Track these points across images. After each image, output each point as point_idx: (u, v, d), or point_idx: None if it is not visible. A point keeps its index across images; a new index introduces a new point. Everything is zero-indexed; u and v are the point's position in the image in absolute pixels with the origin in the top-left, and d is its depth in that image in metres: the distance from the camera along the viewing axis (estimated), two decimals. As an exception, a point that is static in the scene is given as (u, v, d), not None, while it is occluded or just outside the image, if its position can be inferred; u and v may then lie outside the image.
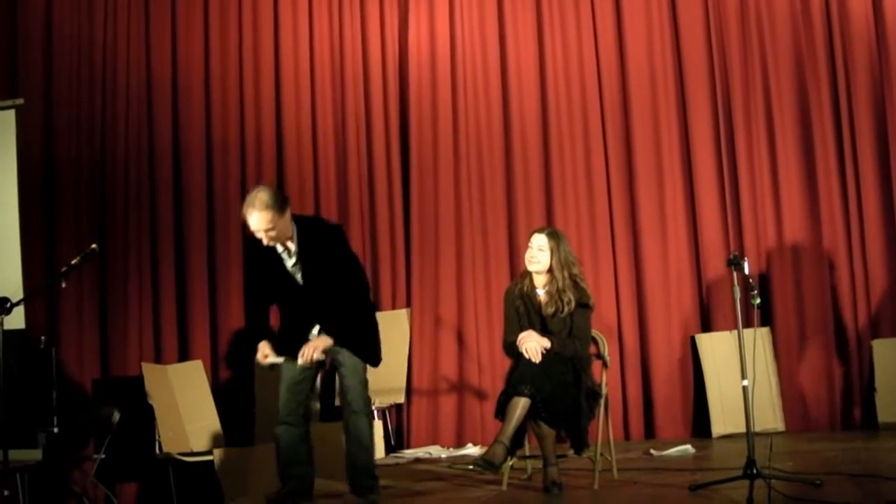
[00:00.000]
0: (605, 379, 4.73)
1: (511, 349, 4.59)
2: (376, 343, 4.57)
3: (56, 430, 6.45)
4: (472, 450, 6.50)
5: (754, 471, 3.95)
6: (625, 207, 6.98)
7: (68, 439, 6.53)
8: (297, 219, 4.48)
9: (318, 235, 4.45)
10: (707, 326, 6.73)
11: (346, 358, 4.43)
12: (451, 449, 6.66)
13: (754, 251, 6.63)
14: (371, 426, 4.51)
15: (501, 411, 4.39)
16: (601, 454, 4.61)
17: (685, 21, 6.98)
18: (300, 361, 4.29)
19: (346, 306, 4.41)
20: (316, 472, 4.59)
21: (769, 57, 6.79)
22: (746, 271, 4.28)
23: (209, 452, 6.12)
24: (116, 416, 6.44)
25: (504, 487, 4.65)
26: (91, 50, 7.64)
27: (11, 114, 7.29)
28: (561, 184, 7.06)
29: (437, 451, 6.54)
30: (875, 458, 5.10)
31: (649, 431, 6.73)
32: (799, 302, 6.57)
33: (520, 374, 4.39)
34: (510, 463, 4.56)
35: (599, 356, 4.80)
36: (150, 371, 6.62)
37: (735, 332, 4.36)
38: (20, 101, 7.34)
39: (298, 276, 4.46)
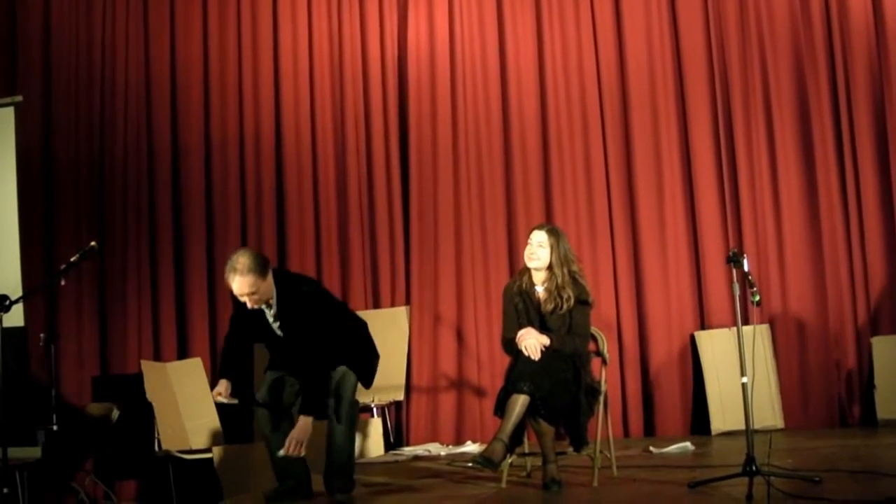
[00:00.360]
0: (605, 376, 4.73)
1: (510, 346, 4.58)
2: (369, 368, 4.68)
3: (55, 427, 6.45)
4: (471, 447, 6.50)
5: (754, 468, 3.94)
6: (624, 204, 6.98)
7: (67, 440, 6.54)
8: (277, 278, 4.51)
9: (295, 301, 4.50)
10: (706, 323, 6.73)
11: (341, 370, 4.48)
12: (450, 446, 6.67)
13: (754, 248, 6.63)
14: (347, 432, 4.50)
15: (500, 408, 4.38)
16: (600, 451, 4.61)
17: (684, 18, 6.98)
18: (281, 453, 4.31)
19: (324, 360, 4.45)
20: (314, 469, 4.60)
21: (768, 53, 6.78)
22: (746, 268, 4.27)
23: (208, 450, 6.12)
24: (116, 413, 6.44)
25: (503, 485, 4.64)
26: (90, 48, 7.64)
27: (10, 111, 7.27)
28: (560, 181, 7.06)
29: (436, 449, 6.54)
30: (874, 454, 5.10)
31: (649, 429, 6.74)
32: (798, 299, 6.57)
33: (519, 371, 4.39)
34: (509, 460, 4.56)
35: (599, 353, 4.79)
36: (149, 369, 6.61)
37: (734, 328, 4.34)
38: (19, 98, 7.33)
39: (278, 330, 4.55)
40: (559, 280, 4.57)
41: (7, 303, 5.05)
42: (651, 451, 5.70)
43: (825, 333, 6.50)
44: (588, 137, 7.07)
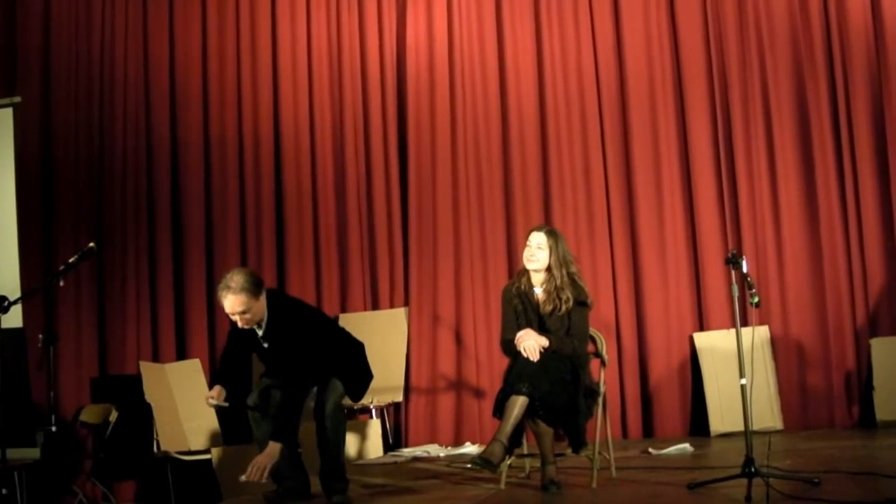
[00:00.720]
0: (604, 377, 4.73)
1: (509, 347, 4.58)
2: (357, 387, 4.69)
3: (54, 428, 6.44)
4: (470, 448, 6.49)
5: (753, 469, 3.94)
6: (623, 205, 6.98)
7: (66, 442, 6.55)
8: (270, 300, 4.51)
9: (284, 323, 4.50)
10: (705, 325, 6.73)
11: (330, 381, 4.48)
12: (449, 447, 6.66)
13: (752, 249, 6.63)
14: (333, 434, 4.48)
15: (499, 410, 4.38)
16: (599, 453, 4.60)
17: (683, 20, 6.97)
18: (242, 478, 4.27)
19: (303, 385, 4.43)
20: (311, 470, 4.60)
21: (767, 56, 6.78)
22: (745, 270, 4.27)
23: (207, 451, 6.13)
24: (114, 414, 6.44)
25: (502, 486, 4.64)
26: (89, 48, 7.63)
27: (9, 112, 7.28)
28: (559, 182, 7.06)
29: (435, 450, 6.53)
30: (873, 456, 5.10)
31: (647, 430, 6.74)
32: (797, 300, 6.57)
33: (518, 372, 4.39)
34: (508, 461, 4.55)
35: (597, 354, 4.79)
36: (147, 370, 6.62)
37: (733, 330, 4.35)
38: (18, 99, 7.34)
39: (266, 346, 4.56)
40: (558, 281, 4.57)
41: (6, 304, 5.05)
42: (650, 453, 5.70)
43: (824, 335, 6.49)
44: (587, 138, 7.07)
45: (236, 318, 4.40)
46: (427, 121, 7.30)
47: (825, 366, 6.46)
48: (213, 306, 7.35)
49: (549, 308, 4.57)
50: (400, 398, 6.94)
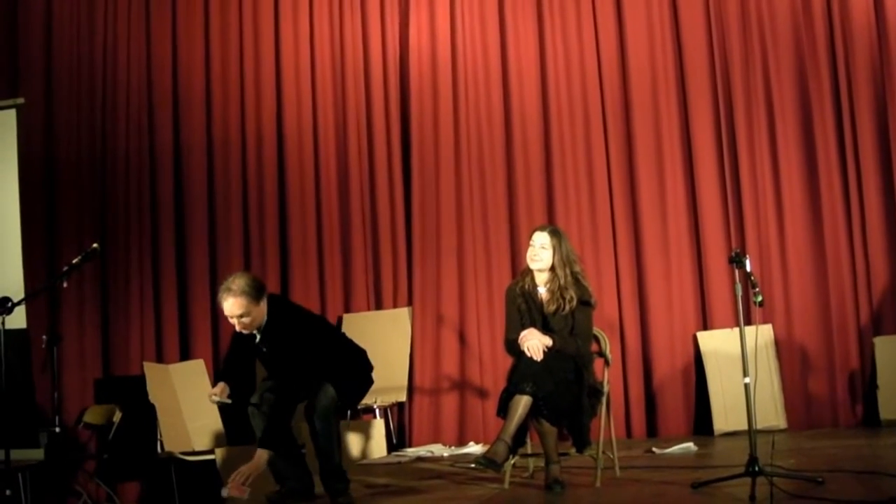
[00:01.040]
0: (607, 377, 4.72)
1: (512, 347, 4.58)
2: (353, 394, 4.69)
3: (58, 429, 6.45)
4: (473, 448, 6.50)
5: (756, 468, 3.94)
6: (626, 205, 6.98)
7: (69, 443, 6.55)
8: (271, 305, 4.50)
9: (281, 329, 4.49)
10: (709, 324, 6.73)
11: (322, 384, 4.47)
12: (452, 447, 6.66)
13: (756, 248, 6.63)
14: (326, 435, 4.46)
15: (503, 409, 4.38)
16: (603, 452, 4.60)
17: (686, 18, 6.97)
18: (224, 493, 4.23)
19: (295, 391, 4.42)
20: (314, 470, 4.60)
21: (770, 53, 6.78)
22: (748, 268, 4.27)
23: (211, 451, 6.13)
24: (118, 415, 6.45)
25: (506, 486, 4.64)
26: (92, 49, 7.65)
27: (12, 113, 7.28)
28: (562, 182, 7.06)
29: (438, 450, 6.53)
30: (877, 454, 5.09)
31: (651, 429, 6.73)
32: (801, 299, 6.57)
33: (521, 372, 4.39)
34: (512, 461, 4.55)
35: (601, 354, 4.79)
36: (151, 370, 6.62)
37: (737, 329, 4.34)
38: (21, 100, 7.34)
39: (265, 351, 4.56)
40: (562, 281, 4.57)
41: (9, 305, 5.05)
42: (654, 452, 5.70)
43: (828, 333, 6.49)
44: (590, 137, 7.07)
45: (235, 321, 4.39)
46: (430, 121, 7.30)
47: (829, 365, 6.45)
48: (217, 307, 7.34)
49: (552, 308, 4.57)
50: (403, 398, 6.94)
